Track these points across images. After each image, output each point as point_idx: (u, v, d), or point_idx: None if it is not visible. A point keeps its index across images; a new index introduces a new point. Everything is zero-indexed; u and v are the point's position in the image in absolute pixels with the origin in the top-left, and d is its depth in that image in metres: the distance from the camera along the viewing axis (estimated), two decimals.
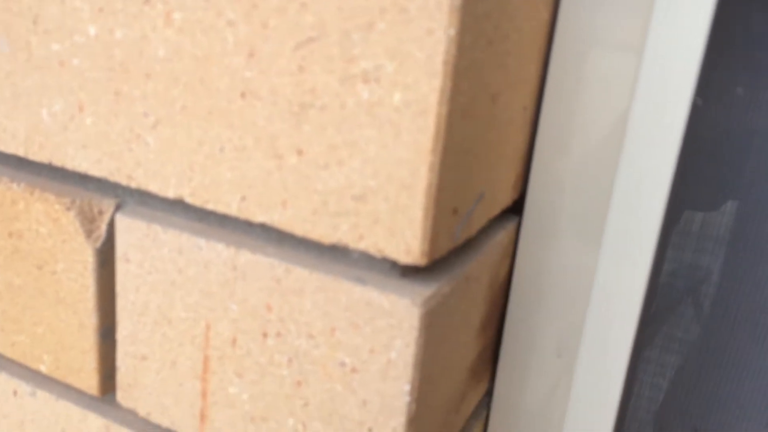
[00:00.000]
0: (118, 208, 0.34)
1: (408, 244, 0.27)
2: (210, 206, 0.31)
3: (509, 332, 0.40)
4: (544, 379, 0.39)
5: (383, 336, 0.28)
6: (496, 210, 0.34)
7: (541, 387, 0.39)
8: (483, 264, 0.33)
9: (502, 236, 0.36)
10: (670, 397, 0.42)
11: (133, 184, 0.32)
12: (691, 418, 0.41)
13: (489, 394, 0.41)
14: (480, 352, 0.37)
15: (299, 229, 0.29)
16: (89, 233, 0.34)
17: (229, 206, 0.30)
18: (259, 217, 0.30)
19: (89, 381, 0.36)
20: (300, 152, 0.28)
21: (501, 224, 0.37)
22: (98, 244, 0.34)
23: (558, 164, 0.36)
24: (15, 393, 0.40)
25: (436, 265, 0.30)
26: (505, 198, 0.35)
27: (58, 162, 0.34)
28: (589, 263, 0.37)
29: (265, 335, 0.30)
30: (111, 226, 0.34)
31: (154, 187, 0.32)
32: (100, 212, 0.34)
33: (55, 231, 0.35)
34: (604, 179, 0.36)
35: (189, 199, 0.31)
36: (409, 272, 0.29)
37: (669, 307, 0.44)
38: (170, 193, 0.32)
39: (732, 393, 0.40)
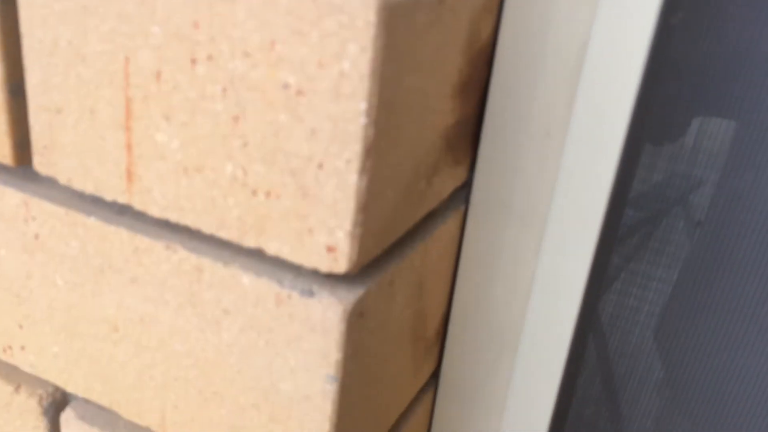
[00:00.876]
0: None
1: None
2: None
3: (492, 107, 0.35)
4: (531, 160, 0.35)
5: (333, 42, 0.22)
6: None
7: (526, 169, 0.35)
8: None
9: None
10: None
11: None
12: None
13: (469, 184, 0.36)
14: (457, 121, 0.32)
15: None
16: None
17: None
18: None
19: (1, 149, 0.31)
20: None
21: None
22: None
23: None
24: None
25: None
26: None
27: None
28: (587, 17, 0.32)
29: (193, 61, 0.25)
30: None
31: None
32: None
33: None
34: None
35: None
36: None
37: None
38: None
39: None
